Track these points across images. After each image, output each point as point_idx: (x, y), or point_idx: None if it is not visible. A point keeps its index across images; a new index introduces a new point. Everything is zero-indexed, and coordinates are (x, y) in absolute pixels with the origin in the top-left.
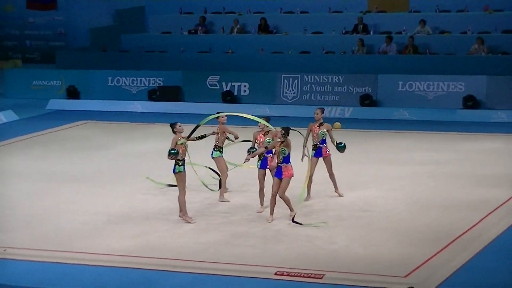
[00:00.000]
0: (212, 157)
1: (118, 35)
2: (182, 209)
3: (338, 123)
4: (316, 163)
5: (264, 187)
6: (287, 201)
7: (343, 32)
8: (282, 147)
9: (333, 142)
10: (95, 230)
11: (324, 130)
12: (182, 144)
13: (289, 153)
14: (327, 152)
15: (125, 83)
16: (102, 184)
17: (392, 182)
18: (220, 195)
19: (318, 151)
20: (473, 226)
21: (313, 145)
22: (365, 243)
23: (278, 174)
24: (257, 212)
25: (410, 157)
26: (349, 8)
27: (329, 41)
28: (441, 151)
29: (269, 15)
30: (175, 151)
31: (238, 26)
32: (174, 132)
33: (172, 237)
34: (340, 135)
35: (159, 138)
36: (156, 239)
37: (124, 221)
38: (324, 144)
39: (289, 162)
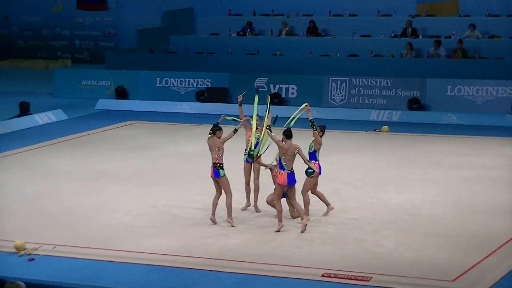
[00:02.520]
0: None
1: (166, 36)
2: (229, 213)
3: (386, 127)
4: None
5: (249, 181)
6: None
7: (392, 35)
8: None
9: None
10: (139, 229)
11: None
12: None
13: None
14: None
15: (173, 84)
16: (146, 184)
17: (439, 186)
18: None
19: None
20: None
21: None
22: (412, 247)
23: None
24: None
25: (457, 161)
26: (398, 12)
27: (377, 44)
28: (489, 156)
29: (317, 18)
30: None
31: (287, 28)
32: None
33: (217, 237)
34: (387, 139)
35: (205, 139)
36: (201, 240)
37: (167, 221)
38: None
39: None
